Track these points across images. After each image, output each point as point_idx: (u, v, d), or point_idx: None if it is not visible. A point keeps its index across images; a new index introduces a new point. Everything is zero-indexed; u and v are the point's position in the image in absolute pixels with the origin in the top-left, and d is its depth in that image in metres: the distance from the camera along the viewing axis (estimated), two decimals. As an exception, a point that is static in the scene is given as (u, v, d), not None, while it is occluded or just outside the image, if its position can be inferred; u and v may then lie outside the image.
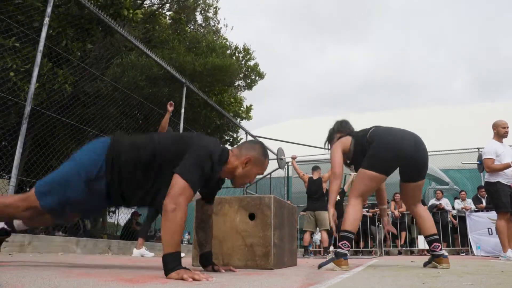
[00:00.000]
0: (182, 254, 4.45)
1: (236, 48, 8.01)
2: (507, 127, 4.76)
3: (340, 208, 8.14)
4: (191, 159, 1.68)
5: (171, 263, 1.49)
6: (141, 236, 4.46)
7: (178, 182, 1.60)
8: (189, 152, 1.70)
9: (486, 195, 5.16)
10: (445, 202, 8.89)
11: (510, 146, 4.97)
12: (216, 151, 1.77)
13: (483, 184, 8.76)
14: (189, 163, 1.67)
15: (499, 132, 4.76)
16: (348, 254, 2.47)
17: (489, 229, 7.50)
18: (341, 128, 2.95)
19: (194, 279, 1.41)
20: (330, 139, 3.03)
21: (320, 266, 2.42)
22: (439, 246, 2.62)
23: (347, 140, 2.75)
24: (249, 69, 8.21)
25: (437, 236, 2.67)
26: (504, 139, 4.80)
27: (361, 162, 2.59)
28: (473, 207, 8.33)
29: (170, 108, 4.61)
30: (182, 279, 1.41)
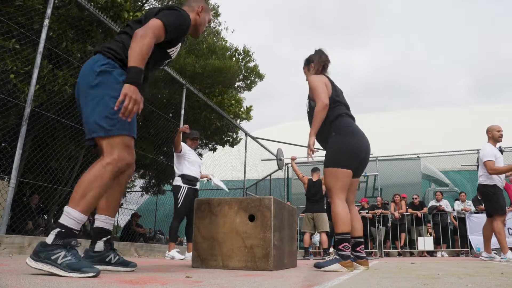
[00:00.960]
0: (182, 256, 4.50)
1: (236, 50, 8.02)
2: (501, 130, 4.94)
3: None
4: (170, 11, 1.90)
5: (133, 74, 1.68)
6: (172, 241, 4.66)
7: (154, 21, 1.79)
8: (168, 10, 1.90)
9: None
10: (445, 204, 8.90)
11: (504, 148, 5.13)
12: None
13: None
14: (168, 13, 1.88)
15: (494, 136, 4.91)
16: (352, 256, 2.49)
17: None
18: (322, 69, 2.89)
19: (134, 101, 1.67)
20: (308, 63, 2.94)
21: (318, 266, 2.42)
22: (363, 248, 2.77)
23: (328, 89, 2.71)
24: (249, 71, 8.22)
25: (362, 239, 2.78)
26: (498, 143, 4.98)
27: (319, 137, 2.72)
28: (473, 208, 8.33)
29: (184, 130, 4.65)
30: (129, 98, 1.66)
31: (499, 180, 4.81)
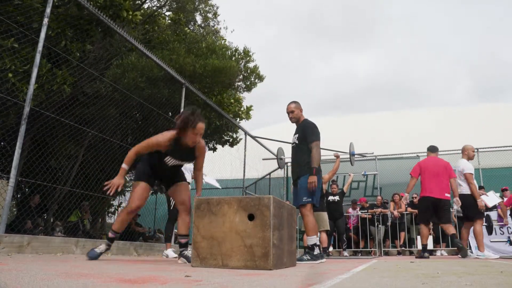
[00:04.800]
0: (175, 255, 4.64)
1: (236, 50, 8.00)
2: (475, 151, 5.91)
3: (339, 209, 8.16)
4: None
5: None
6: (167, 241, 4.98)
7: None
8: None
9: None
10: (445, 202, 8.88)
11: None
12: None
13: (482, 185, 8.79)
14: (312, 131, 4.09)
15: (470, 155, 5.79)
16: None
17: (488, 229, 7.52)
18: None
19: None
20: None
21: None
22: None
23: None
24: (249, 71, 8.19)
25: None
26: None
27: None
28: (472, 207, 8.33)
29: None
30: None
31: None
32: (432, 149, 5.82)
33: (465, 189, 5.56)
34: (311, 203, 3.86)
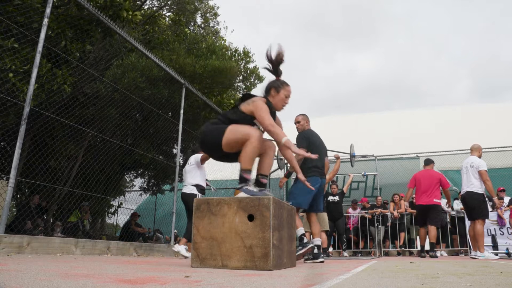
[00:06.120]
0: (188, 254, 4.66)
1: (236, 50, 8.00)
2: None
3: (338, 209, 8.16)
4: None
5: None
6: (185, 237, 4.93)
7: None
8: None
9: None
10: (444, 203, 8.89)
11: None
12: None
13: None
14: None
15: (480, 153, 5.86)
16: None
17: (488, 230, 7.51)
18: None
19: None
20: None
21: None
22: None
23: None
24: (249, 72, 8.19)
25: None
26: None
27: None
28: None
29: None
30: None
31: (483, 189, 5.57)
32: (427, 162, 6.48)
33: (475, 187, 5.53)
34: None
